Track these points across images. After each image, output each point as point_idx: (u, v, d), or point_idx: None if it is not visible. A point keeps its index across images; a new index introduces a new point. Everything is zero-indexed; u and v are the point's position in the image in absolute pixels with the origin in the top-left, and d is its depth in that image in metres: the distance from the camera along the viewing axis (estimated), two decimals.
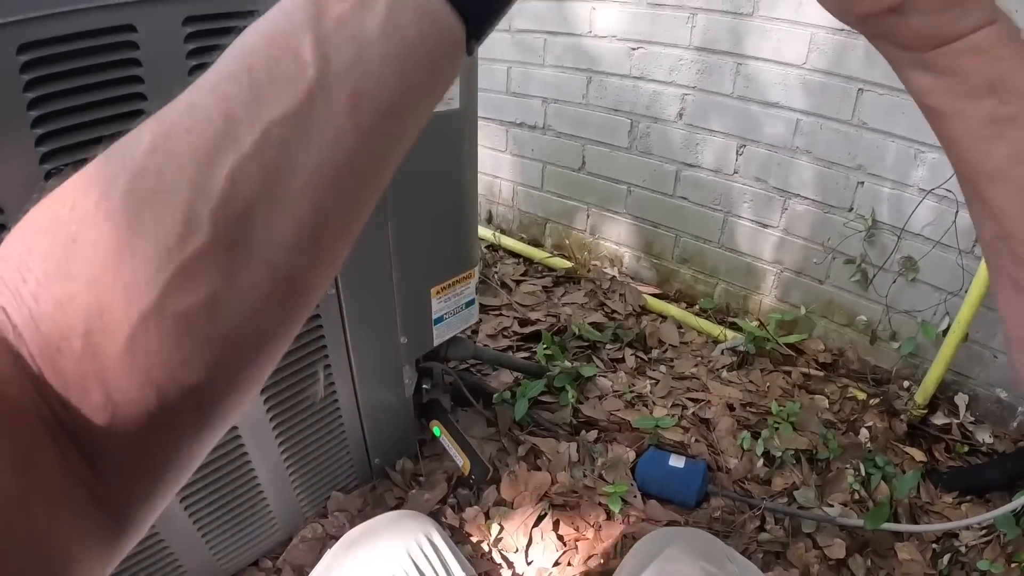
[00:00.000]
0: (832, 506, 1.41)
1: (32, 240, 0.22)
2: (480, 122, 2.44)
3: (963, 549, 1.33)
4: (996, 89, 0.30)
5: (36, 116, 0.72)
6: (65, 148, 0.75)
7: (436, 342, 1.43)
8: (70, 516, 0.22)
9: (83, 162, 0.23)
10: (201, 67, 0.81)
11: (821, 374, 1.82)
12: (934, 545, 1.35)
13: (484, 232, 2.55)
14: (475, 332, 1.99)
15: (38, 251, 0.22)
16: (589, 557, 1.33)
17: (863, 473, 1.48)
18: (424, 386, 1.55)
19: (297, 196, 0.23)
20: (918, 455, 1.56)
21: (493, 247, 2.51)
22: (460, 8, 0.25)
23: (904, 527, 1.36)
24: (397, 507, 1.40)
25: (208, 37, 0.83)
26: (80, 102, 0.74)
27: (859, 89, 1.60)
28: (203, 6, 0.81)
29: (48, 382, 0.21)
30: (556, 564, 1.32)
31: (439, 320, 1.41)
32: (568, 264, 2.33)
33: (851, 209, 1.74)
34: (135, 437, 0.22)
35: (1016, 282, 0.29)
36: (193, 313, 0.22)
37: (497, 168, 2.53)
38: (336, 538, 0.94)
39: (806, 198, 1.81)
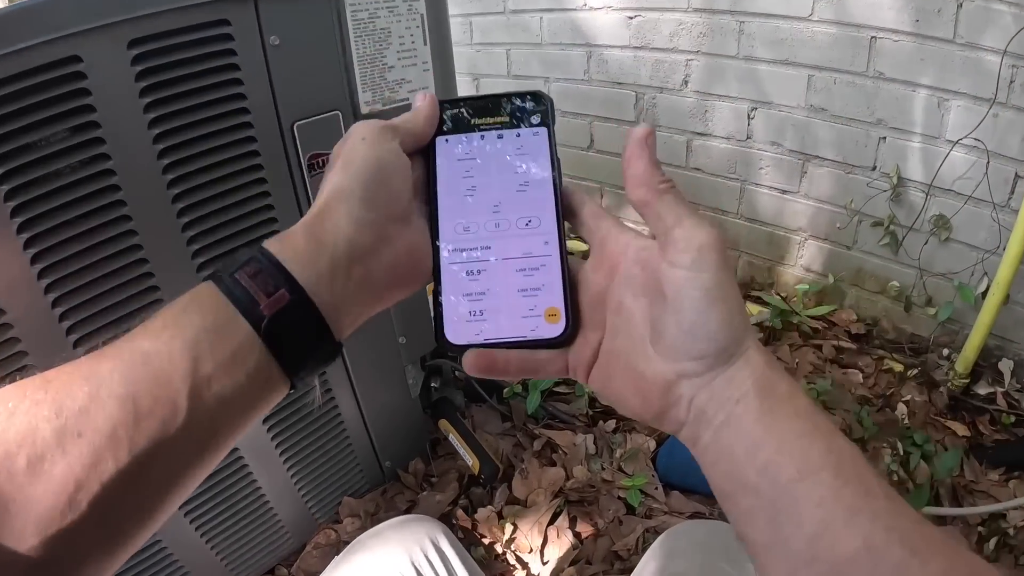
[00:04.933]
0: None
1: None
2: None
3: (1011, 531, 1.23)
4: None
5: None
6: (23, 185, 0.75)
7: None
8: None
9: None
10: (151, 88, 0.81)
11: (854, 346, 1.72)
12: (980, 528, 1.25)
13: None
14: None
15: None
16: (608, 555, 1.28)
17: (901, 452, 1.38)
18: (433, 384, 1.52)
19: (152, 492, 0.34)
20: (961, 429, 1.45)
21: None
22: (288, 372, 0.37)
23: (946, 510, 1.27)
24: (409, 510, 1.37)
25: (155, 57, 0.81)
26: (33, 139, 0.74)
27: (872, 37, 1.50)
28: (146, 27, 0.79)
29: None
30: (573, 563, 1.27)
31: None
32: (584, 247, 2.26)
33: (875, 167, 1.64)
34: None
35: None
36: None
37: None
38: (349, 543, 0.92)
39: (826, 159, 1.71)
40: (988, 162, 1.42)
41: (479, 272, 0.40)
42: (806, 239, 1.85)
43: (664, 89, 1.93)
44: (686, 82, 1.88)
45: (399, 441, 1.43)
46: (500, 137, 0.42)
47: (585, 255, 0.43)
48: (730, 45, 1.74)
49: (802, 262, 1.89)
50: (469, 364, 0.39)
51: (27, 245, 0.77)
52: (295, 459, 1.21)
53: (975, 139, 1.42)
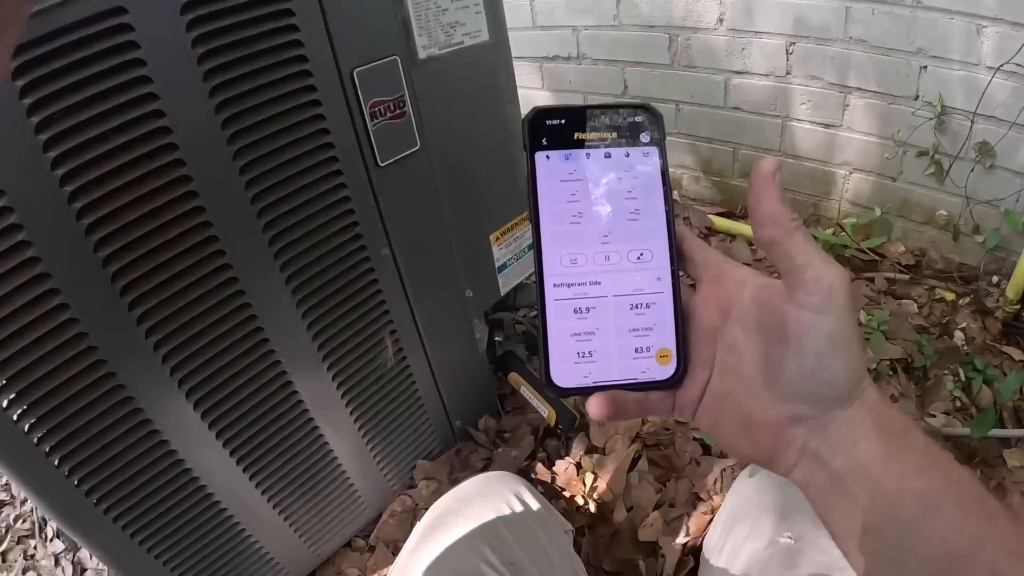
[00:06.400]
0: (935, 416, 1.33)
1: None
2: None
3: None
4: None
5: (37, 121, 0.67)
6: (74, 149, 0.70)
7: (503, 291, 1.37)
8: None
9: None
10: (203, 38, 0.75)
11: (906, 277, 1.72)
12: None
13: None
14: None
15: None
16: (690, 496, 1.28)
17: (963, 378, 1.39)
18: (496, 338, 1.50)
19: None
20: (1017, 354, 1.46)
21: None
22: None
23: (1013, 432, 1.28)
24: (484, 468, 1.36)
25: (205, 4, 0.75)
26: (82, 96, 0.69)
27: None
28: None
29: None
30: (657, 507, 1.27)
31: (503, 268, 1.34)
32: None
33: (917, 97, 1.61)
34: None
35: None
36: None
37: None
38: (426, 508, 0.91)
39: (867, 91, 1.69)
40: None
41: (588, 310, 0.38)
42: (851, 172, 1.84)
43: (699, 29, 1.88)
44: (721, 20, 1.83)
45: (469, 399, 1.42)
46: (608, 156, 0.38)
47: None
48: None
49: (847, 196, 1.88)
50: (595, 410, 0.37)
51: (79, 215, 0.72)
52: (369, 424, 1.19)
53: (1016, 64, 1.41)
